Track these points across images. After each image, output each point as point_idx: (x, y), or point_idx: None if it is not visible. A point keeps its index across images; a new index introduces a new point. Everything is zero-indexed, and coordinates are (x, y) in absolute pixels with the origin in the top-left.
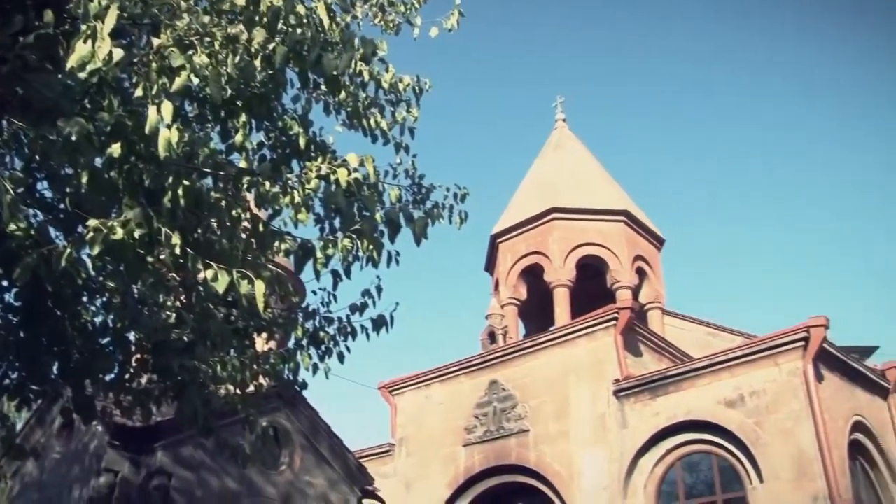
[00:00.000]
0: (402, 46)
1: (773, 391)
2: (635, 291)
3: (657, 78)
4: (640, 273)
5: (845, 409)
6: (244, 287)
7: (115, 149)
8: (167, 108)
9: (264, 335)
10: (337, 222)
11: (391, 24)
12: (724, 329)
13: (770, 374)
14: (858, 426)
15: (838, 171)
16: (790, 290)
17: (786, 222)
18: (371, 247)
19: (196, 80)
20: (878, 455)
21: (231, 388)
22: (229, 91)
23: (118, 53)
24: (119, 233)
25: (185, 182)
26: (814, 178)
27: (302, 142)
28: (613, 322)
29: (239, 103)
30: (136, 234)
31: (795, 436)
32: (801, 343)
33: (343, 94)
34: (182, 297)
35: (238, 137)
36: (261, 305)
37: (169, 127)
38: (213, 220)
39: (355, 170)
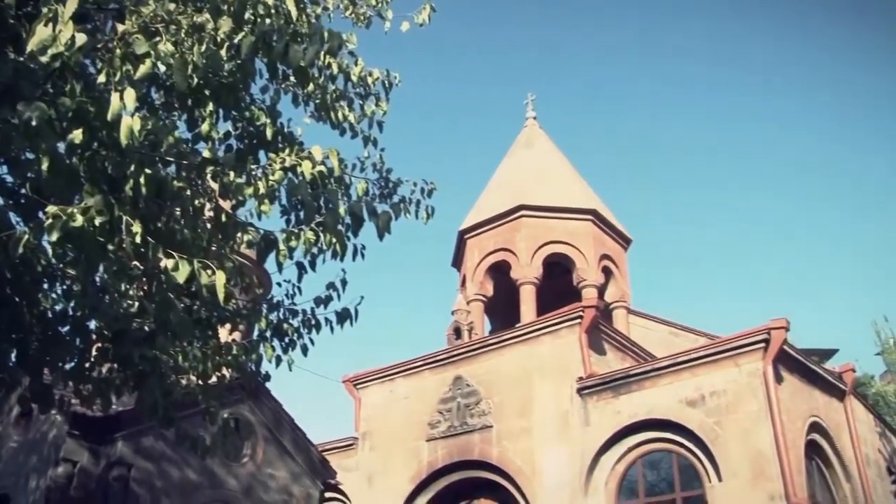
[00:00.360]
0: (373, 40)
1: (733, 391)
2: (601, 290)
3: (630, 76)
4: (607, 272)
5: (803, 410)
6: (205, 277)
7: (77, 135)
8: (130, 95)
9: (228, 326)
10: (301, 215)
11: (362, 18)
12: (687, 329)
13: (730, 375)
14: (815, 427)
15: (804, 175)
16: (754, 291)
17: (751, 224)
18: (334, 240)
19: (162, 69)
20: (833, 455)
21: (193, 378)
22: (196, 80)
23: (81, 38)
24: (79, 220)
25: (148, 170)
26: (779, 181)
27: (269, 133)
28: (578, 320)
29: (207, 92)
30: (97, 221)
31: (754, 435)
32: (762, 344)
33: (311, 86)
34: (145, 287)
35: (204, 127)
36: (221, 296)
37: (133, 114)
38: (176, 209)
39: (320, 163)
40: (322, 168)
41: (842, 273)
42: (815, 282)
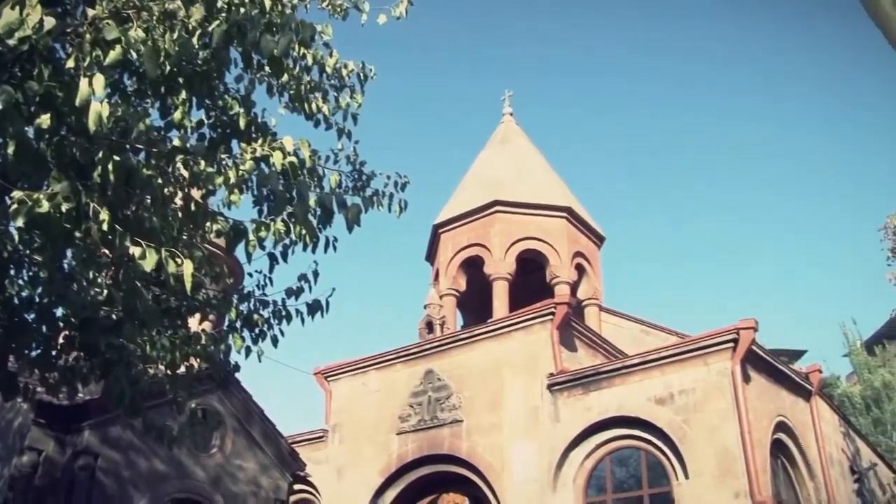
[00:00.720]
0: (351, 33)
1: (701, 390)
2: (574, 287)
3: (609, 74)
4: (580, 269)
5: (770, 410)
6: (172, 266)
7: (45, 120)
8: (99, 80)
9: (198, 316)
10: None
11: (339, 9)
12: (658, 328)
13: (699, 374)
14: (781, 426)
15: (779, 176)
16: (727, 292)
17: (724, 224)
18: (304, 231)
19: (134, 55)
20: (798, 454)
21: (161, 368)
22: (168, 67)
23: (49, 22)
24: (45, 206)
25: (117, 157)
26: (753, 182)
27: (242, 122)
28: (550, 317)
29: (180, 80)
30: (63, 207)
31: (721, 434)
32: (731, 344)
33: (286, 77)
34: (113, 275)
35: (177, 115)
36: (188, 285)
37: (102, 101)
38: (145, 197)
39: (291, 153)
40: (293, 159)
41: (814, 276)
42: (789, 284)
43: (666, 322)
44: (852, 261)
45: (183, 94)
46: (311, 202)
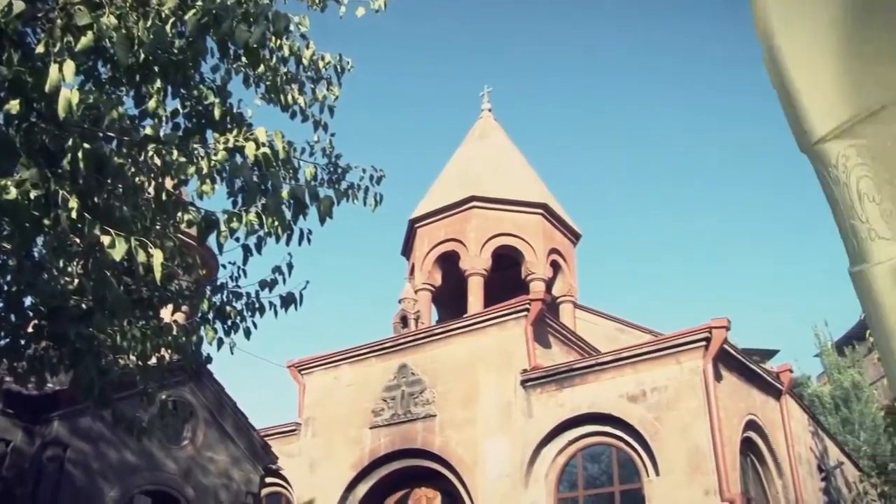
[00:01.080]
0: (330, 26)
1: (673, 388)
2: (549, 284)
3: (588, 71)
4: (555, 266)
5: (741, 408)
6: (142, 255)
7: (14, 105)
8: (69, 67)
9: (170, 307)
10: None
11: (317, 1)
12: (632, 325)
13: (671, 372)
14: (751, 424)
15: (753, 174)
16: (701, 291)
17: (700, 224)
18: (277, 223)
19: (108, 42)
20: (768, 452)
21: (132, 359)
22: (142, 55)
23: (19, 5)
24: (13, 192)
25: (87, 145)
26: (728, 180)
27: (217, 112)
28: (525, 313)
29: (155, 69)
30: (32, 194)
31: (692, 431)
32: (703, 343)
33: (262, 68)
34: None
35: (151, 103)
36: (158, 275)
37: (73, 87)
38: (118, 185)
39: (265, 144)
40: (266, 150)
41: (789, 276)
42: (764, 284)
43: (640, 320)
44: (827, 262)
45: (158, 83)
46: (284, 194)
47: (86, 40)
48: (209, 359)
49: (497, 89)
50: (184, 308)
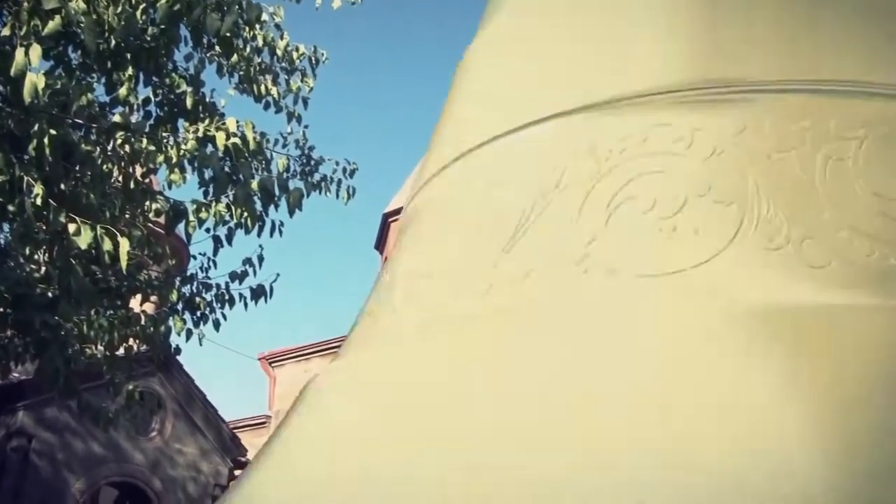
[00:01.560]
0: (307, 18)
1: None
2: None
3: None
4: None
5: None
6: (107, 243)
7: None
8: (35, 51)
9: (139, 297)
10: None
11: None
12: None
13: None
14: None
15: None
16: None
17: None
18: (246, 214)
19: (78, 28)
20: None
21: (99, 348)
22: (113, 42)
23: None
24: None
25: (53, 131)
26: None
27: (189, 101)
28: None
29: (127, 56)
30: None
31: None
32: None
33: (236, 58)
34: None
35: (122, 91)
36: (124, 264)
37: (39, 72)
38: (86, 172)
39: (234, 134)
40: (237, 140)
41: None
42: None
43: None
44: None
45: (130, 70)
46: (254, 185)
47: (53, 24)
48: (178, 350)
49: None
50: (153, 298)
